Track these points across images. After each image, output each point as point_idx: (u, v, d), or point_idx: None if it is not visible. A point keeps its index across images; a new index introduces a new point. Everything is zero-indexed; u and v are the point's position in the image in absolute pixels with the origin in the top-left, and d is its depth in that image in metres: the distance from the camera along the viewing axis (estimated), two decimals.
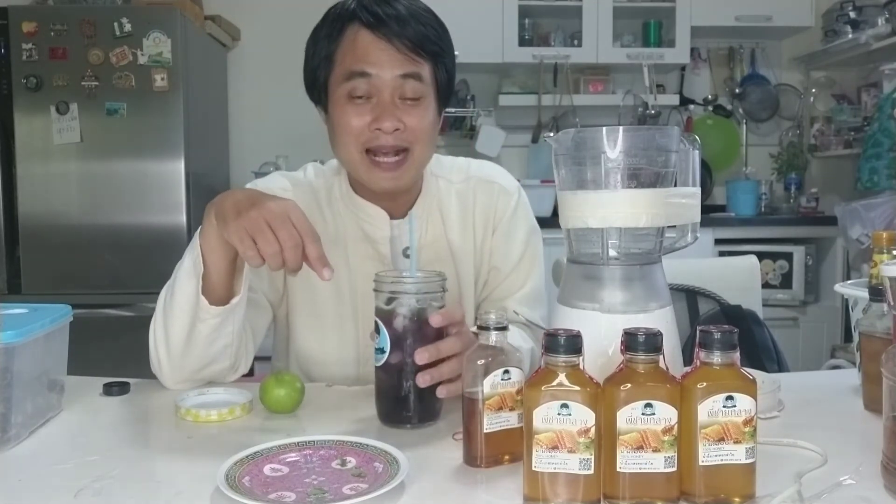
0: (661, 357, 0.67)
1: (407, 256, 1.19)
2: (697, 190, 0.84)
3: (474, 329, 0.84)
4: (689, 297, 1.64)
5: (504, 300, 1.25)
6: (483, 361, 0.77)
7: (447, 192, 1.25)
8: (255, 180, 1.28)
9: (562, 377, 0.66)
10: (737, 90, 3.76)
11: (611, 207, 0.79)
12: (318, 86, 1.14)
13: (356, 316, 1.19)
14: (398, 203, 1.20)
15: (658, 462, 0.66)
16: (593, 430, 0.66)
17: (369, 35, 1.08)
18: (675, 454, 0.66)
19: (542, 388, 0.66)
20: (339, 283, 1.19)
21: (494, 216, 1.25)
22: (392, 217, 1.19)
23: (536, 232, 1.30)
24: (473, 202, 1.25)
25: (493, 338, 0.78)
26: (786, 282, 3.26)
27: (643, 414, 0.65)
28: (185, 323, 1.01)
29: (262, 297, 1.19)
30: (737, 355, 0.68)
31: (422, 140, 1.12)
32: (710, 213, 3.35)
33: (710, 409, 0.66)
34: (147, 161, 2.89)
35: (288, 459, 0.77)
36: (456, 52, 1.18)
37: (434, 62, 1.12)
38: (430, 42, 1.10)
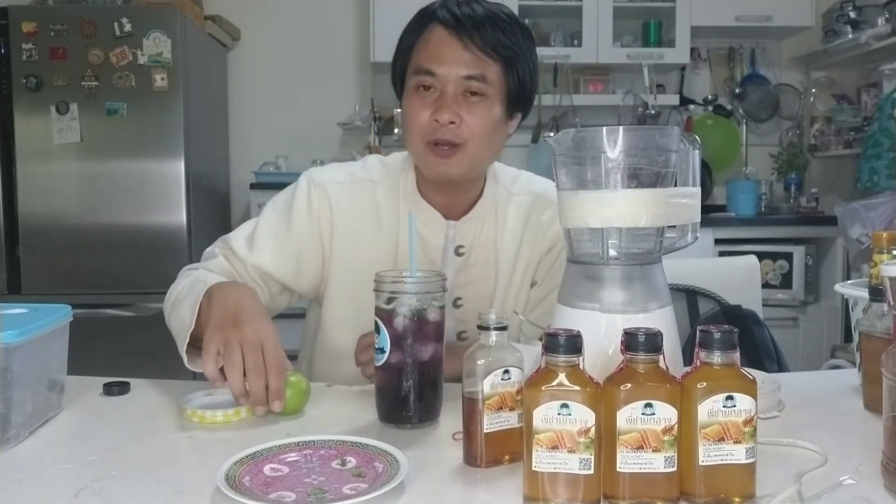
0: (661, 357, 0.67)
1: (459, 255, 1.23)
2: (697, 190, 0.84)
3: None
4: (689, 297, 1.64)
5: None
6: (483, 361, 0.77)
7: (506, 200, 1.27)
8: (311, 168, 1.29)
9: (562, 377, 0.66)
10: (737, 90, 3.76)
11: (611, 207, 0.79)
12: (397, 75, 1.20)
13: None
14: (456, 203, 1.23)
15: (658, 462, 0.66)
16: (593, 430, 0.66)
17: (444, 32, 1.13)
18: (675, 454, 0.66)
19: (542, 388, 0.66)
20: None
21: (551, 235, 1.26)
22: (447, 218, 1.22)
23: None
24: (528, 216, 1.27)
25: (493, 338, 0.78)
26: (786, 282, 3.25)
27: (643, 414, 0.65)
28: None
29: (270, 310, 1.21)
30: (737, 355, 0.68)
31: (477, 137, 1.14)
32: (710, 213, 3.35)
33: (710, 409, 0.66)
34: (147, 161, 2.89)
35: (288, 459, 0.77)
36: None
37: (505, 65, 1.14)
38: (503, 46, 1.13)
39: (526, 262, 1.26)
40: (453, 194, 1.22)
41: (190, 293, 1.09)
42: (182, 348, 1.06)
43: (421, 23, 1.16)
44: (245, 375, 0.93)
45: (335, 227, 1.22)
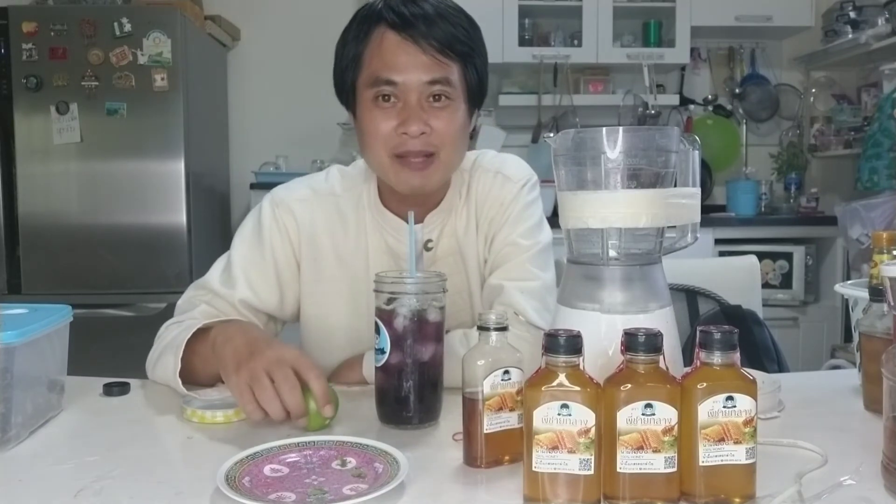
0: (661, 357, 0.67)
1: (428, 250, 1.17)
2: (697, 190, 0.84)
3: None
4: (689, 297, 1.64)
5: (501, 286, 1.14)
6: (483, 361, 0.77)
7: (465, 185, 1.19)
8: (275, 188, 1.22)
9: (562, 377, 0.66)
10: (737, 90, 3.76)
11: (611, 208, 0.79)
12: (346, 88, 1.12)
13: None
14: (424, 208, 1.16)
15: (658, 462, 0.66)
16: (593, 430, 0.66)
17: (395, 37, 1.05)
18: (676, 454, 0.66)
19: (543, 389, 0.66)
20: (357, 294, 1.16)
21: (500, 209, 1.18)
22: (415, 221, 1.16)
23: (539, 230, 1.20)
24: (476, 194, 1.19)
25: (492, 338, 0.78)
26: (786, 282, 3.25)
27: (643, 414, 0.65)
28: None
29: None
30: (737, 355, 0.68)
31: (449, 143, 1.09)
32: (710, 213, 3.35)
33: (710, 409, 0.66)
34: (147, 161, 2.90)
35: (288, 460, 0.77)
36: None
37: (463, 63, 1.08)
38: (459, 42, 1.06)
39: (482, 242, 1.19)
40: (421, 202, 1.15)
41: (175, 339, 1.05)
42: (179, 388, 1.01)
43: (365, 28, 1.08)
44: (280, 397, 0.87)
45: (304, 244, 1.17)
